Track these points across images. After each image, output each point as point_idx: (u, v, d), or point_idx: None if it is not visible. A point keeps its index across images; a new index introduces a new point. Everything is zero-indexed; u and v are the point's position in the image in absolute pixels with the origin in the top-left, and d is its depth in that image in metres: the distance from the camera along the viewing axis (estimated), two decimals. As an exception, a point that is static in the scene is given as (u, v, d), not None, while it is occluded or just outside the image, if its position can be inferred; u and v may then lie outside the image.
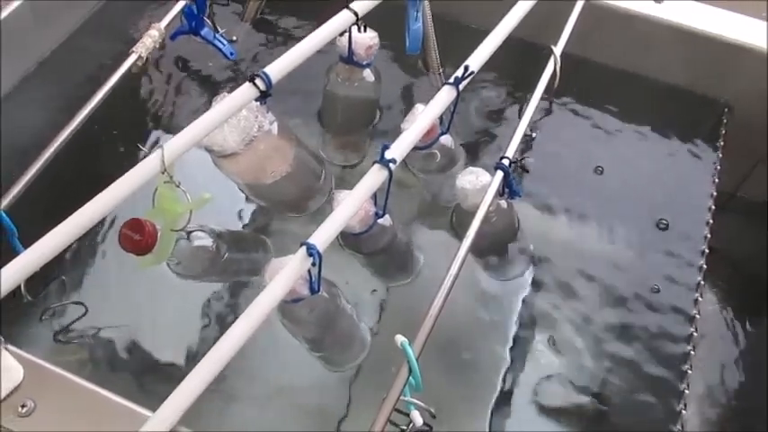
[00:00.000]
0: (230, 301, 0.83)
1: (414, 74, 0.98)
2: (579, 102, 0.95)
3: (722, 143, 0.90)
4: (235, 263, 0.76)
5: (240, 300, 0.83)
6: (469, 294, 0.84)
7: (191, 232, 0.70)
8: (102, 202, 0.53)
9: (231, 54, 0.92)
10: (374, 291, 0.82)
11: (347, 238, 0.72)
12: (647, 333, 0.81)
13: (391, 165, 0.62)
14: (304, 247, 0.55)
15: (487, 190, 0.65)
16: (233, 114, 0.62)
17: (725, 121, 0.92)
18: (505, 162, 0.66)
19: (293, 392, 0.79)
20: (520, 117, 0.76)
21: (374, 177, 0.62)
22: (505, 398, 0.80)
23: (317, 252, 0.55)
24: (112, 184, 0.54)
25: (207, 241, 0.71)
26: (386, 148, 0.62)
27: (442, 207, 0.87)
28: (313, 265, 0.54)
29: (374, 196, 0.68)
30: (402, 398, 0.52)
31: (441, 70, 0.94)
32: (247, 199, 0.86)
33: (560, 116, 0.94)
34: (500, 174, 0.66)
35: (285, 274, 0.53)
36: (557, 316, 0.83)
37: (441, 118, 0.75)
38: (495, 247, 0.76)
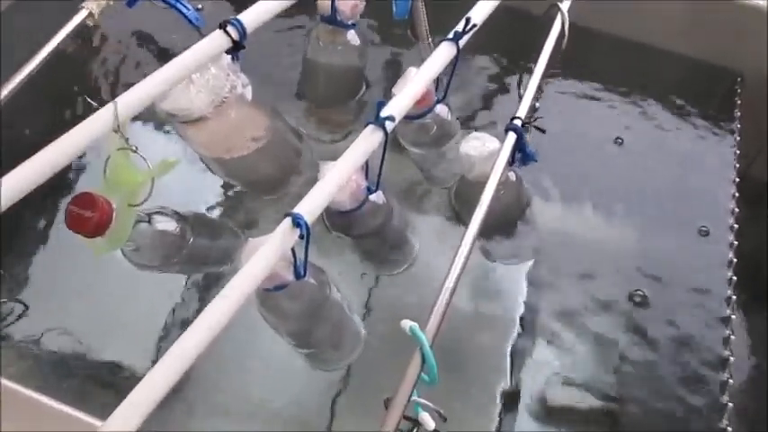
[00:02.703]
0: (199, 295, 0.73)
1: (401, 44, 0.89)
2: (583, 73, 0.88)
3: (739, 113, 0.83)
4: (201, 250, 0.67)
5: (211, 295, 0.73)
6: (468, 280, 0.75)
7: (152, 214, 0.60)
8: (35, 168, 0.43)
9: (197, 20, 0.82)
10: (364, 274, 0.72)
11: (334, 218, 0.63)
12: (670, 325, 0.73)
13: (388, 124, 0.53)
14: (288, 219, 0.45)
15: (498, 155, 0.56)
16: (200, 68, 0.52)
17: (739, 90, 0.85)
18: (517, 123, 0.57)
19: (273, 398, 0.70)
20: (519, 87, 0.68)
21: (368, 140, 0.53)
22: (512, 397, 0.72)
23: (305, 223, 0.45)
24: (50, 145, 0.44)
25: (170, 224, 0.62)
26: (382, 104, 0.53)
27: (435, 187, 0.78)
28: (301, 237, 0.45)
29: (365, 169, 0.59)
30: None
31: (430, 40, 0.85)
32: (214, 178, 0.76)
33: (566, 88, 0.86)
34: (512, 136, 0.57)
35: (267, 249, 0.44)
36: (567, 304, 0.75)
37: (436, 84, 0.67)
38: (501, 225, 0.67)
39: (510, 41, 0.89)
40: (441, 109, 0.70)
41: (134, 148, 0.51)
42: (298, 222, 0.45)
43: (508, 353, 0.73)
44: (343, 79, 0.77)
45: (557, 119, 0.76)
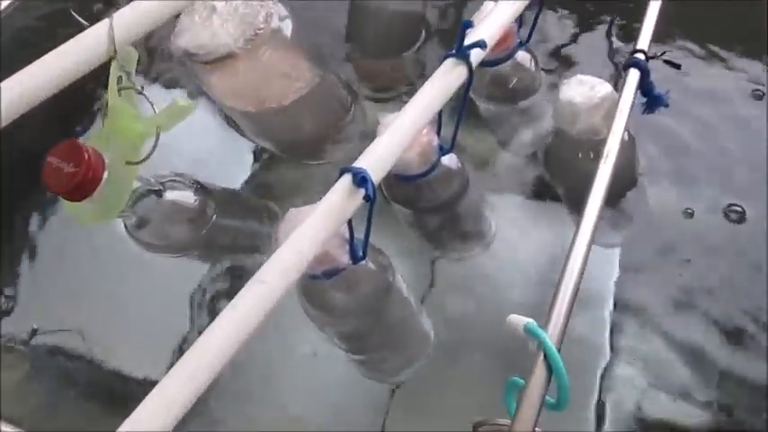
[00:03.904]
0: (229, 287, 0.61)
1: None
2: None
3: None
4: (227, 232, 0.54)
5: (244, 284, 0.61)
6: (549, 263, 0.61)
7: (165, 182, 0.48)
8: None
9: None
10: (437, 255, 0.59)
11: (395, 185, 0.49)
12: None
13: (474, 54, 0.40)
14: (348, 176, 0.32)
15: (617, 100, 0.42)
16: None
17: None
18: (640, 56, 0.43)
19: (312, 413, 0.58)
20: (610, 30, 0.54)
21: (446, 78, 0.40)
22: (603, 411, 0.58)
23: (371, 181, 0.32)
24: (20, 72, 0.32)
25: (187, 195, 0.49)
26: (468, 25, 0.39)
27: (512, 153, 0.64)
28: (366, 199, 0.32)
29: (438, 123, 0.46)
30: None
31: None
32: (242, 140, 0.63)
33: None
34: (635, 74, 0.43)
35: (319, 217, 0.31)
36: (672, 299, 0.61)
37: (519, 25, 0.54)
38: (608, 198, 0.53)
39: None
40: (522, 56, 0.57)
41: (140, 89, 0.39)
42: (363, 179, 0.32)
43: (605, 350, 0.60)
44: (398, 23, 0.64)
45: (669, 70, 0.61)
